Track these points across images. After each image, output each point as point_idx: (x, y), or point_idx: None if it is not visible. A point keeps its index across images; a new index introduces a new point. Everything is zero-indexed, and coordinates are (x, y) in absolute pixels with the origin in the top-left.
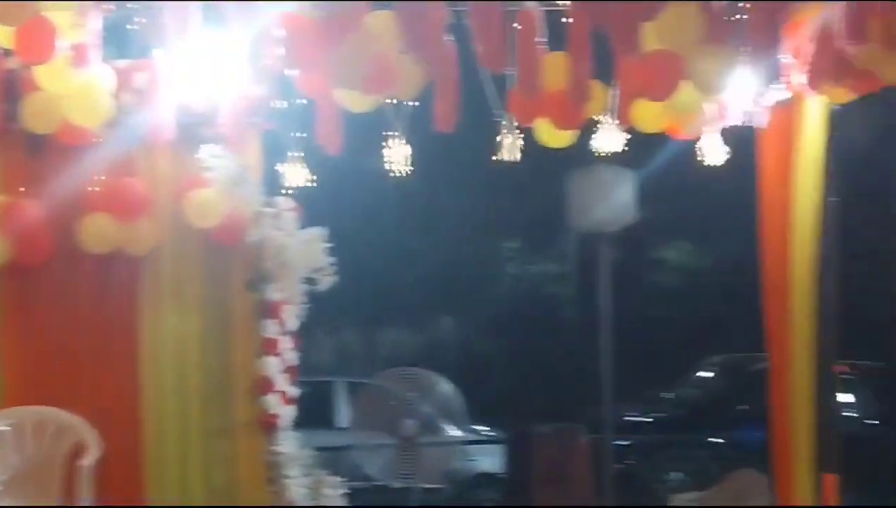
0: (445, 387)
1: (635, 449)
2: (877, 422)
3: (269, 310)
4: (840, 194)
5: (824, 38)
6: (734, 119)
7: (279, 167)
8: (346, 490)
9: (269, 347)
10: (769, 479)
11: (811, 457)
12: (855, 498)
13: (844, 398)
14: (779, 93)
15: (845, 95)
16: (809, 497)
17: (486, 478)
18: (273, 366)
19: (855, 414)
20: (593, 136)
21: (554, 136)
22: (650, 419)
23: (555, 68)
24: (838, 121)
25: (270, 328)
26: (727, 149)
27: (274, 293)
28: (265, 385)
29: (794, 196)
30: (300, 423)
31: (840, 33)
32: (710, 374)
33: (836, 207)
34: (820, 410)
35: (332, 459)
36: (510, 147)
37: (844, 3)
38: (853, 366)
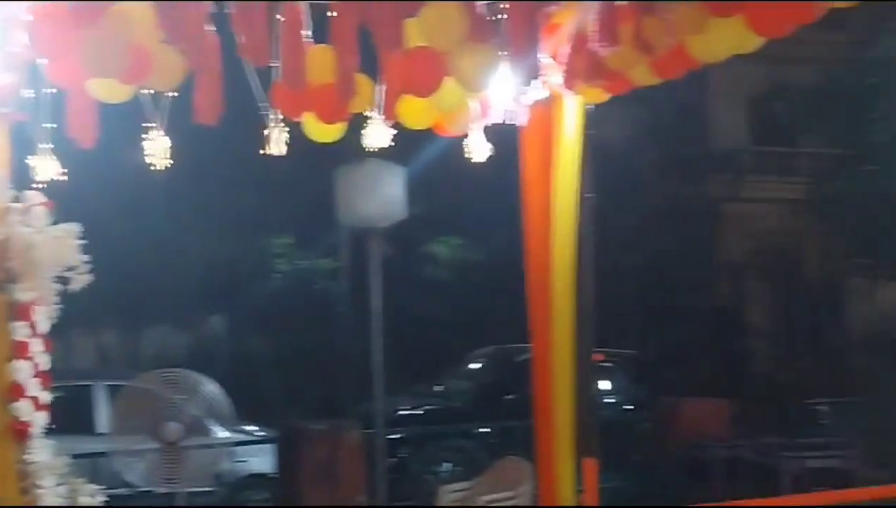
0: (211, 387)
1: (407, 442)
2: (632, 407)
3: (18, 311)
4: (595, 190)
5: (579, 41)
6: (497, 117)
7: (28, 160)
8: (106, 498)
9: (19, 350)
10: (533, 465)
11: (572, 442)
12: (612, 480)
13: (603, 385)
14: (538, 92)
15: (599, 96)
16: (570, 481)
17: (257, 479)
18: (23, 371)
19: (612, 400)
20: (362, 131)
21: (321, 130)
22: (422, 412)
23: (320, 62)
24: (593, 120)
25: (20, 331)
26: (491, 146)
27: (23, 294)
28: (15, 391)
29: (553, 192)
30: (56, 430)
31: (593, 36)
32: (479, 365)
33: (591, 202)
34: (580, 397)
35: (91, 466)
36: (276, 141)
37: (598, 6)
38: (610, 354)
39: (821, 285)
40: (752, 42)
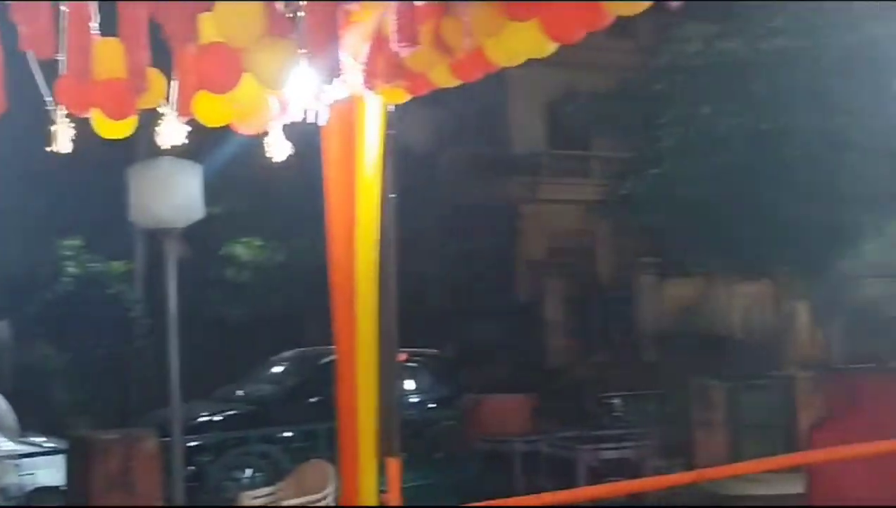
0: None
1: (208, 449)
2: (435, 405)
3: None
4: (397, 190)
5: (379, 40)
6: (298, 116)
7: None
8: None
9: None
10: (336, 467)
11: (375, 443)
12: (416, 479)
13: (407, 384)
14: (339, 91)
15: (400, 96)
16: (372, 481)
17: (46, 492)
18: None
19: (417, 399)
20: (156, 128)
21: (110, 127)
22: (222, 418)
23: (108, 55)
24: (395, 120)
25: None
26: (292, 145)
27: None
28: None
29: (356, 193)
30: None
31: (393, 36)
32: (282, 369)
33: (394, 203)
34: (383, 397)
35: None
36: (62, 138)
37: (397, 6)
38: (414, 354)
39: (614, 284)
40: (546, 46)
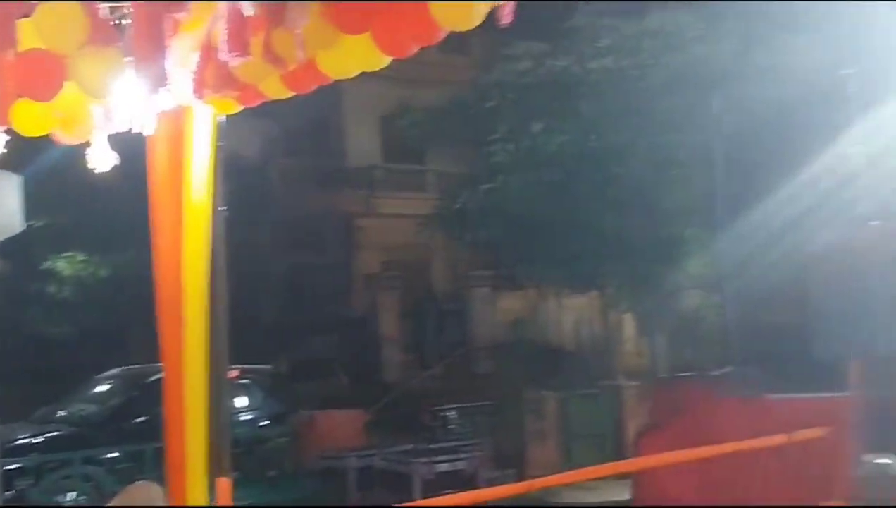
0: None
1: (28, 472)
2: (268, 422)
3: None
4: (227, 203)
5: (208, 49)
6: (123, 125)
7: None
8: None
9: None
10: (164, 488)
11: (204, 462)
12: (249, 497)
13: (239, 401)
14: (166, 100)
15: (230, 107)
16: (202, 502)
17: None
18: None
19: (249, 416)
20: None
21: None
22: (44, 440)
23: None
24: (225, 132)
25: None
26: (117, 156)
27: None
28: None
29: (184, 205)
30: None
31: (223, 45)
32: (106, 387)
33: (224, 216)
34: (213, 416)
35: None
36: None
37: (227, 15)
38: (246, 370)
39: (449, 297)
40: (379, 60)
